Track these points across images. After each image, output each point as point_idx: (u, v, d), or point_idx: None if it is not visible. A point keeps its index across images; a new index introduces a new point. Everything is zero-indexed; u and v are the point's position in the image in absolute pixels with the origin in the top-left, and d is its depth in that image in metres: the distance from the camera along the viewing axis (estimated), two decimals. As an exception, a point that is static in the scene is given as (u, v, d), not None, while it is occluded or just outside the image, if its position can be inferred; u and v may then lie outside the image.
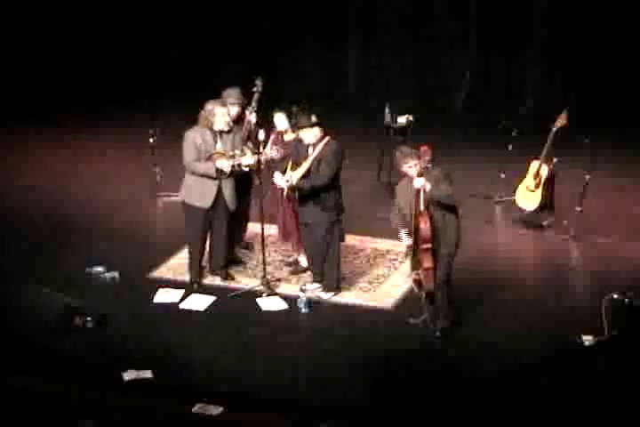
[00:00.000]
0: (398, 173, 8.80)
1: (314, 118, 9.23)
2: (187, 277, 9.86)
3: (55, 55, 15.42)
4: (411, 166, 8.49)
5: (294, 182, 9.23)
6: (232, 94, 9.74)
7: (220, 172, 9.34)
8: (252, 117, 9.87)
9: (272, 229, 10.21)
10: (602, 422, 7.09)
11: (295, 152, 9.40)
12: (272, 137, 9.89)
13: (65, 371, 8.32)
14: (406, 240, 8.69)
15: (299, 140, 9.39)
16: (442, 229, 8.54)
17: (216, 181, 9.40)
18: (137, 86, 15.21)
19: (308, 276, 9.85)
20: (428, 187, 8.37)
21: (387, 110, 11.93)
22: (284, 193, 9.47)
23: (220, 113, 9.34)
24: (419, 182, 8.39)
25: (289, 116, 9.68)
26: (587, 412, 7.18)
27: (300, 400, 7.93)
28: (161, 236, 11.13)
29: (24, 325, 8.93)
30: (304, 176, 9.25)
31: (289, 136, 9.76)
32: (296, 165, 9.32)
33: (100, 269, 10.01)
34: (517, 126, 11.55)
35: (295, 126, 9.46)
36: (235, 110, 9.73)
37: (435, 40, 14.79)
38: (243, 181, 9.71)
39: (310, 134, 9.25)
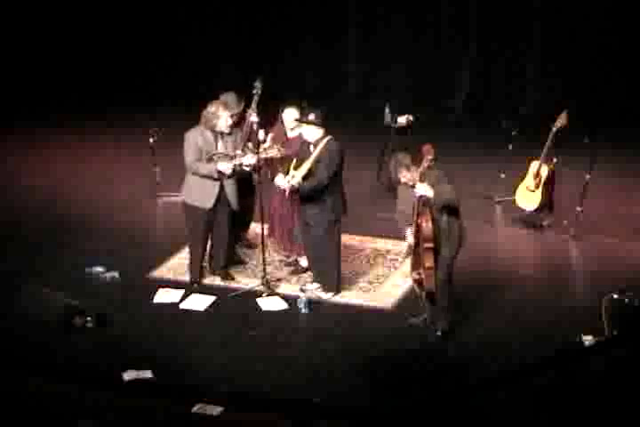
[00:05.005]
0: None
1: (311, 116, 9.20)
2: (187, 277, 9.86)
3: (55, 55, 15.43)
4: (405, 176, 8.52)
5: (295, 184, 9.22)
6: (231, 103, 9.68)
7: (221, 173, 9.33)
8: (253, 118, 9.85)
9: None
10: (602, 422, 7.09)
11: (302, 150, 9.39)
12: (271, 135, 9.88)
13: (65, 371, 8.32)
14: (410, 239, 8.69)
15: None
16: (444, 229, 8.54)
17: (217, 182, 9.39)
18: (137, 86, 15.22)
19: (308, 276, 9.86)
20: (431, 194, 8.37)
21: (387, 110, 11.91)
22: (286, 193, 9.45)
23: (225, 116, 9.32)
24: (421, 190, 8.39)
25: (301, 111, 9.59)
26: (586, 412, 7.18)
27: (299, 400, 7.93)
28: (161, 236, 11.14)
29: (24, 325, 8.94)
30: (306, 175, 9.24)
31: (295, 132, 9.73)
32: (300, 163, 9.31)
33: (99, 269, 10.01)
34: (517, 126, 11.56)
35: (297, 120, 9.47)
36: (235, 116, 9.72)
37: (435, 40, 14.81)
38: (245, 180, 9.70)
39: (308, 131, 9.24)
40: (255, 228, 10.35)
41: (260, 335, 8.98)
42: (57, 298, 9.12)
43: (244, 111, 9.89)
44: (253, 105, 9.87)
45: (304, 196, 9.32)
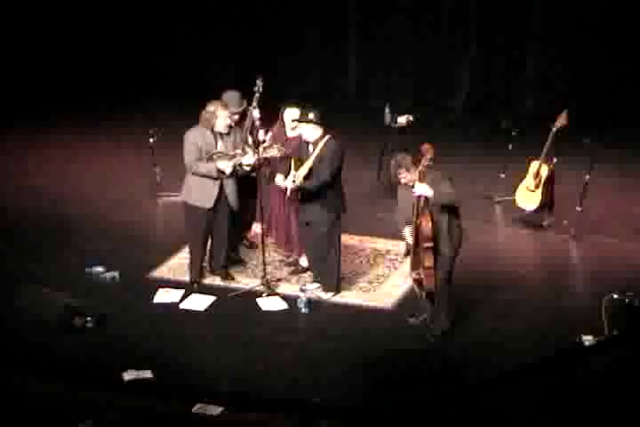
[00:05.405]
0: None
1: (311, 115, 9.21)
2: (187, 277, 9.86)
3: (55, 55, 15.43)
4: (404, 177, 8.52)
5: (298, 183, 9.21)
6: (232, 102, 9.68)
7: (221, 172, 9.33)
8: (255, 114, 9.83)
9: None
10: (602, 422, 7.08)
11: (301, 150, 9.38)
12: (271, 134, 9.88)
13: (65, 371, 8.31)
14: (409, 239, 8.68)
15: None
16: (443, 229, 8.53)
17: (217, 182, 9.39)
18: (137, 86, 15.22)
19: (308, 276, 9.86)
20: (430, 194, 8.37)
21: (387, 110, 11.91)
22: (287, 193, 9.43)
23: (223, 116, 9.32)
24: (420, 190, 8.38)
25: (301, 110, 9.57)
26: (586, 412, 7.18)
27: (299, 400, 7.92)
28: (161, 236, 11.14)
29: (24, 325, 8.94)
30: (307, 175, 9.24)
31: (295, 132, 9.72)
32: (300, 162, 9.31)
33: (100, 269, 10.01)
34: (517, 126, 11.56)
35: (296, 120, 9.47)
36: (235, 117, 9.71)
37: (435, 40, 14.80)
38: (245, 180, 9.70)
39: (307, 130, 9.23)
40: (255, 228, 10.37)
41: (260, 335, 8.97)
42: (57, 298, 9.12)
43: (245, 110, 9.89)
44: (254, 103, 9.88)
45: (306, 195, 9.31)
